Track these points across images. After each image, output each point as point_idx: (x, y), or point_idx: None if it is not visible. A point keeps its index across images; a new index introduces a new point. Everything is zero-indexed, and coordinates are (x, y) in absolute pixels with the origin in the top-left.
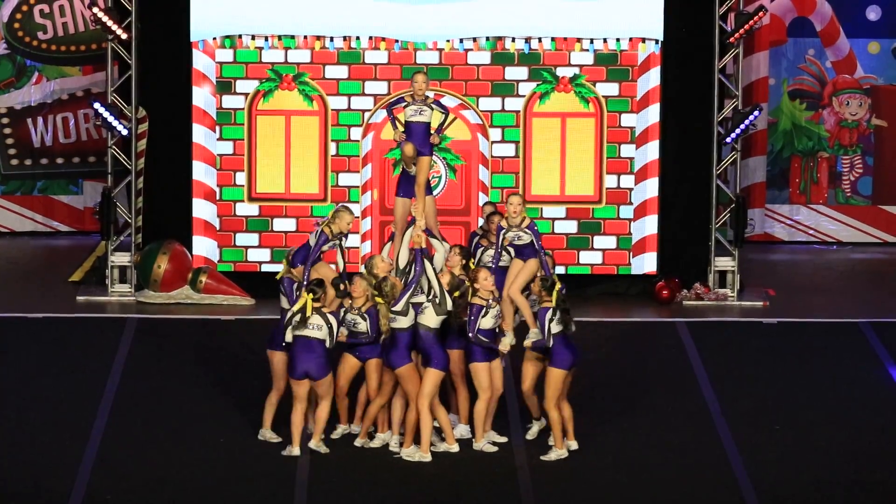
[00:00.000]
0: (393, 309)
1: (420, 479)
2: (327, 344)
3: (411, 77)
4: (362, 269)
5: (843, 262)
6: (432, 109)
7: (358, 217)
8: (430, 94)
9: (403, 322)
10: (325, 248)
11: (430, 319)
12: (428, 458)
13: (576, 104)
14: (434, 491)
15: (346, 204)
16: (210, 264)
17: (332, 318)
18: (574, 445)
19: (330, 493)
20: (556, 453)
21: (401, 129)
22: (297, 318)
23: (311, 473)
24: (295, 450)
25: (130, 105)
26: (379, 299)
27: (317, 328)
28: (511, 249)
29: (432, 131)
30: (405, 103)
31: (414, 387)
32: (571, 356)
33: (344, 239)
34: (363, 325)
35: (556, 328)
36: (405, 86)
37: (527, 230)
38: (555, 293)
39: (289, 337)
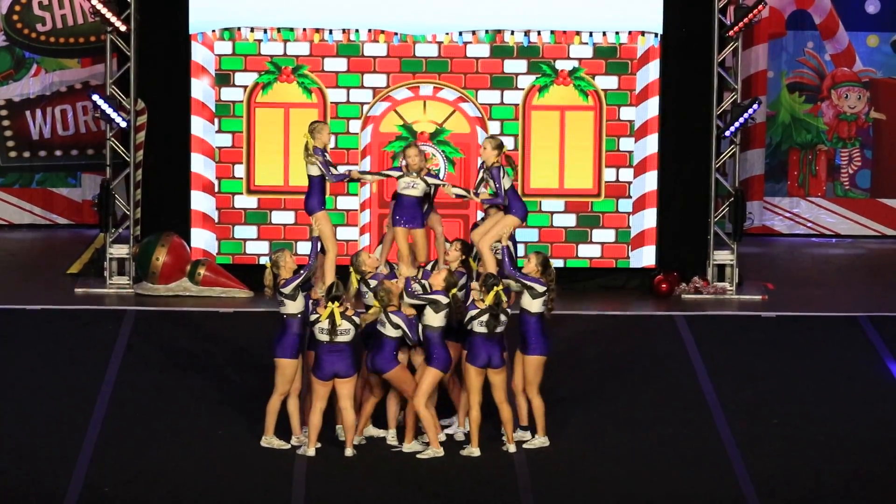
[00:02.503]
0: (391, 318)
1: (417, 473)
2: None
3: (403, 151)
4: (351, 262)
5: (841, 255)
6: (425, 182)
7: (356, 209)
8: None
9: (392, 332)
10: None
11: (433, 318)
12: (441, 452)
13: (575, 97)
14: (432, 484)
15: (317, 121)
16: (208, 256)
17: (357, 319)
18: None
19: (327, 487)
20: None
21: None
22: (325, 327)
23: (309, 467)
24: (311, 451)
25: (129, 97)
26: (375, 302)
27: (344, 333)
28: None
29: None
30: (400, 174)
31: (409, 386)
32: (486, 356)
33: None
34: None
35: (479, 328)
36: (404, 78)
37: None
38: (492, 295)
39: (317, 337)
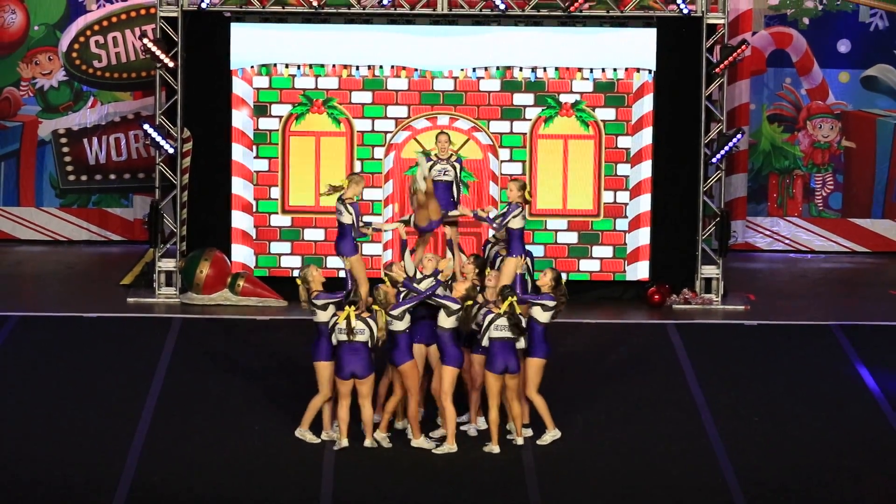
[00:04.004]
0: (391, 313)
1: (433, 465)
2: (369, 345)
3: (436, 138)
4: (383, 274)
5: (816, 269)
6: (454, 168)
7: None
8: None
9: (400, 325)
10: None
11: (445, 321)
12: (454, 449)
13: (577, 127)
14: (447, 474)
15: (357, 172)
16: (247, 270)
17: (371, 322)
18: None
19: (353, 479)
20: (447, 448)
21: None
22: (343, 327)
23: (337, 461)
24: (344, 441)
25: (176, 126)
26: (375, 306)
27: (360, 332)
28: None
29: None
30: (431, 162)
31: (413, 382)
32: (503, 363)
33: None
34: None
35: (496, 333)
36: (423, 110)
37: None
38: (506, 304)
39: (334, 341)
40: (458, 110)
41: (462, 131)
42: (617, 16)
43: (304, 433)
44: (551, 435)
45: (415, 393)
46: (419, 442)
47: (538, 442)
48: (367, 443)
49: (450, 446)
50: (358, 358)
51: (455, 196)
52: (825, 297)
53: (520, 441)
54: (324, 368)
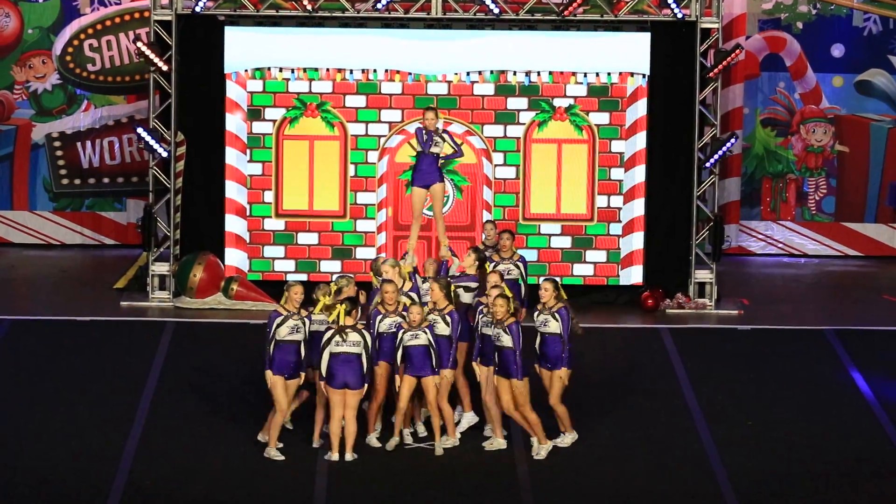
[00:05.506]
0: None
1: (428, 468)
2: (363, 359)
3: (423, 114)
4: (371, 268)
5: (809, 273)
6: (443, 140)
7: (374, 232)
8: (441, 125)
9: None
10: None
11: (442, 329)
12: (457, 442)
13: (571, 131)
14: (442, 476)
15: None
16: (241, 273)
17: (367, 335)
18: (567, 439)
19: (346, 483)
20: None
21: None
22: (335, 335)
23: (331, 465)
24: (334, 455)
25: (170, 130)
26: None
27: (354, 344)
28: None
29: (442, 157)
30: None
31: (379, 384)
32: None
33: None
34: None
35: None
36: (417, 114)
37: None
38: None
39: (324, 367)
40: (452, 114)
41: (456, 135)
42: (611, 20)
43: (271, 452)
44: (570, 437)
45: (382, 392)
46: (370, 438)
47: (557, 443)
48: (349, 456)
49: (454, 440)
50: (351, 368)
51: (441, 164)
52: (818, 301)
53: (543, 454)
54: (277, 382)
